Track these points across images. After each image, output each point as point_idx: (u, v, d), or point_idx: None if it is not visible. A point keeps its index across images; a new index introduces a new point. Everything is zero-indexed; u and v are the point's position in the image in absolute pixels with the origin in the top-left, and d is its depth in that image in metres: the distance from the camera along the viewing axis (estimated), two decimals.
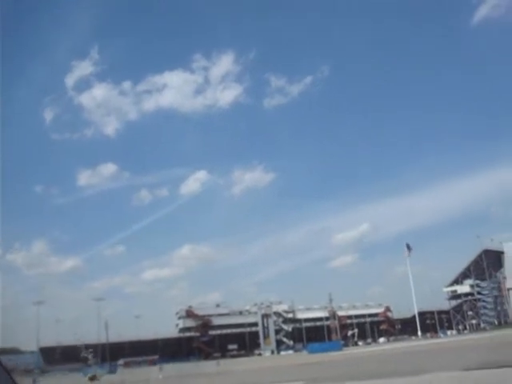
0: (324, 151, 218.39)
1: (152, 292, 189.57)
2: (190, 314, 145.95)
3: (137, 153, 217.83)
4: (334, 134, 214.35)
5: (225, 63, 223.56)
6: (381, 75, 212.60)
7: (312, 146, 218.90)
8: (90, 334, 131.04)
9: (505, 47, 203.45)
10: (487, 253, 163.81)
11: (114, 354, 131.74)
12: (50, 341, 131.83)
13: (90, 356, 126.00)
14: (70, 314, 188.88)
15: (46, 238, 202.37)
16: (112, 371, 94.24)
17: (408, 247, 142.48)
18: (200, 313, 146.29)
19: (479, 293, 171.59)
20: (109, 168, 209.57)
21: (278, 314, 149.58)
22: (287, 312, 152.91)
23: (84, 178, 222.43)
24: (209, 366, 68.91)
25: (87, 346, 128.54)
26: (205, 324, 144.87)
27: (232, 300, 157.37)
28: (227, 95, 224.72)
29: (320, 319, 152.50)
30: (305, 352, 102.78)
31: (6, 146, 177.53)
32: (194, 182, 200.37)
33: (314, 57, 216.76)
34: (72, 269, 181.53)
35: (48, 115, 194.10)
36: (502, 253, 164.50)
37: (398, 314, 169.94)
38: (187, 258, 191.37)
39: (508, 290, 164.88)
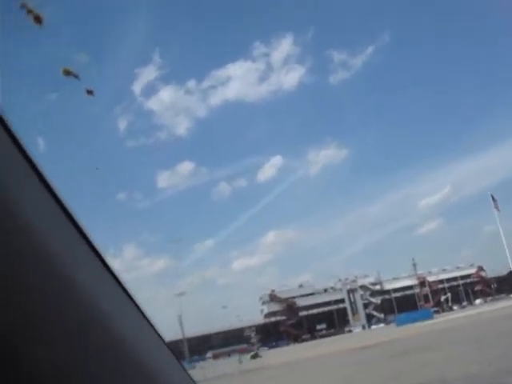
0: (394, 120, 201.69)
1: (242, 281, 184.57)
2: (273, 298, 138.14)
3: (211, 148, 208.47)
4: (401, 102, 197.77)
5: (285, 46, 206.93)
6: (445, 37, 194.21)
7: (382, 116, 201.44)
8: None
9: None
10: None
11: (202, 346, 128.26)
12: None
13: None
14: (163, 311, 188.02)
15: (136, 242, 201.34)
16: (189, 367, 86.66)
17: (493, 198, 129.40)
18: (283, 295, 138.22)
19: None
20: (186, 166, 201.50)
21: (364, 288, 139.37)
22: (374, 284, 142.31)
23: (163, 179, 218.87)
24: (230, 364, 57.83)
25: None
26: (290, 306, 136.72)
27: (321, 279, 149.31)
28: (291, 78, 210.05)
29: (410, 287, 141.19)
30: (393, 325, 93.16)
31: (86, 160, 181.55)
32: (270, 168, 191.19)
33: (373, 25, 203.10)
34: (164, 268, 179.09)
35: (121, 124, 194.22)
36: None
37: (492, 272, 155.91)
38: (273, 244, 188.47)
39: None
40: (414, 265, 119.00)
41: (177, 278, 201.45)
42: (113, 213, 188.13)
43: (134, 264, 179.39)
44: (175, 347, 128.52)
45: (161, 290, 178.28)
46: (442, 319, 66.16)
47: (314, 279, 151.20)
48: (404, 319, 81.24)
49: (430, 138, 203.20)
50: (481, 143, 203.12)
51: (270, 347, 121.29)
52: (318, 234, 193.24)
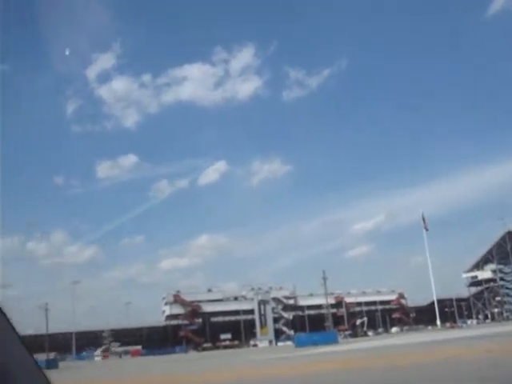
0: (341, 143, 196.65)
1: (169, 281, 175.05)
2: (177, 299, 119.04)
3: (157, 144, 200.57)
4: (351, 126, 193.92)
5: (245, 56, 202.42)
6: (399, 68, 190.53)
7: (329, 137, 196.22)
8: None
9: None
10: (511, 235, 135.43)
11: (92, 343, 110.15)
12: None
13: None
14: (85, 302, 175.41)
15: (66, 228, 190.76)
16: (51, 366, 66.92)
17: (423, 219, 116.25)
18: (189, 298, 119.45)
19: (502, 279, 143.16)
20: (129, 159, 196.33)
21: (277, 301, 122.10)
22: (288, 298, 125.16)
23: (104, 169, 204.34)
24: None
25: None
26: (194, 310, 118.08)
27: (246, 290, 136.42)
28: (246, 88, 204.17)
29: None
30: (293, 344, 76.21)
31: (28, 137, 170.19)
32: (213, 172, 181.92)
33: (333, 49, 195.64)
34: (91, 258, 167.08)
35: (70, 107, 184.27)
36: None
37: (412, 302, 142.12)
38: (204, 248, 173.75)
39: None
40: (324, 279, 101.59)
41: (103, 270, 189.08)
42: (46, 195, 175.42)
43: (61, 250, 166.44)
44: (63, 339, 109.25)
45: (84, 280, 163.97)
46: (345, 347, 49.18)
47: (239, 289, 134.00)
48: (304, 340, 64.15)
49: (371, 167, 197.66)
50: (420, 178, 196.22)
51: (163, 353, 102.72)
52: (251, 244, 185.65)
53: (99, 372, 43.09)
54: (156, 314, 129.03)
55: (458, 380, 11.34)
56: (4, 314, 1.45)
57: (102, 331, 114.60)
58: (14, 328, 1.48)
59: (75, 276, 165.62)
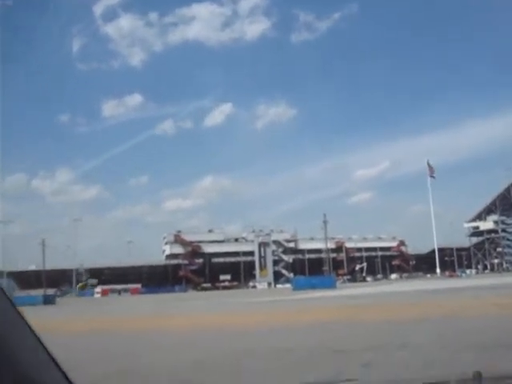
0: (348, 88, 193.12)
1: (172, 222, 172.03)
2: (177, 239, 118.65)
3: (162, 84, 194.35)
4: (358, 72, 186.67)
5: None
6: (410, 14, 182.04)
7: (337, 82, 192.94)
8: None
9: None
10: None
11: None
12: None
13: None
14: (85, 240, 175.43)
15: (71, 166, 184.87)
16: (48, 302, 66.22)
17: (429, 165, 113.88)
18: (190, 238, 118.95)
19: (504, 230, 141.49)
20: (134, 98, 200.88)
21: (278, 243, 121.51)
22: (288, 241, 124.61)
23: (110, 108, 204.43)
24: None
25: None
26: (194, 251, 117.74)
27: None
28: (254, 29, 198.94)
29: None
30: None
31: (33, 75, 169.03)
32: (219, 114, 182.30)
33: None
34: (95, 197, 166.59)
35: (75, 45, 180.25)
36: None
37: (413, 249, 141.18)
38: (208, 190, 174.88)
39: None
40: (325, 222, 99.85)
41: (108, 210, 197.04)
42: (51, 133, 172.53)
43: (65, 188, 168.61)
44: (65, 275, 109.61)
45: (88, 218, 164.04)
46: (343, 292, 47.87)
47: (241, 230, 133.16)
48: (302, 283, 63.27)
49: (377, 114, 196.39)
50: (427, 127, 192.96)
51: (163, 292, 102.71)
52: (254, 187, 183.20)
53: (82, 309, 42.36)
54: (158, 253, 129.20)
55: (466, 343, 9.39)
56: (2, 290, 1.26)
57: (104, 268, 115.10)
58: (12, 303, 1.25)
59: (79, 214, 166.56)
